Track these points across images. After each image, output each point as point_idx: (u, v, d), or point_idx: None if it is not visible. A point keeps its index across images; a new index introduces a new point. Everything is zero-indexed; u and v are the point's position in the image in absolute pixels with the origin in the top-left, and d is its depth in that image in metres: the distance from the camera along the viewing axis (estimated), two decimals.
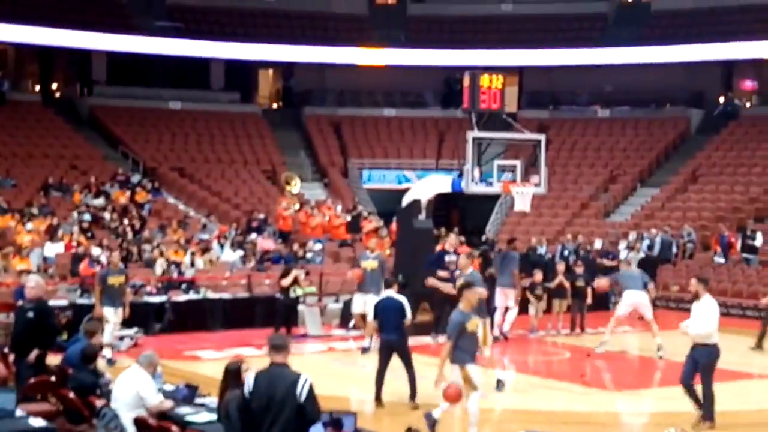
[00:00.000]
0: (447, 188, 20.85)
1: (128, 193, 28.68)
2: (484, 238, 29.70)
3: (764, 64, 37.08)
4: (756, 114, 36.42)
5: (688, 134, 36.65)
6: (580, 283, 20.62)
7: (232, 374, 9.37)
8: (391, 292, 13.73)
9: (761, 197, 30.27)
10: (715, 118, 36.90)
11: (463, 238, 25.10)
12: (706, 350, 12.10)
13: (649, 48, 36.33)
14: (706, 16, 37.23)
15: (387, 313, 13.37)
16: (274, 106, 40.57)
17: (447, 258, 18.63)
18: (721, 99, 38.13)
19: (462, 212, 32.20)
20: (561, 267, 20.81)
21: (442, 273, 18.32)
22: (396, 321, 13.29)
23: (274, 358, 7.88)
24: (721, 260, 26.58)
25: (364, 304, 17.89)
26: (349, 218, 28.35)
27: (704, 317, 12.16)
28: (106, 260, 19.51)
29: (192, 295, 20.46)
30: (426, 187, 21.54)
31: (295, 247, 24.81)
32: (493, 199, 30.72)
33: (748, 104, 38.20)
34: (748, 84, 39.22)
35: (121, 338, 17.28)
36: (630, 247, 26.77)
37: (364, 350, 17.23)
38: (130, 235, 24.43)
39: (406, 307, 13.48)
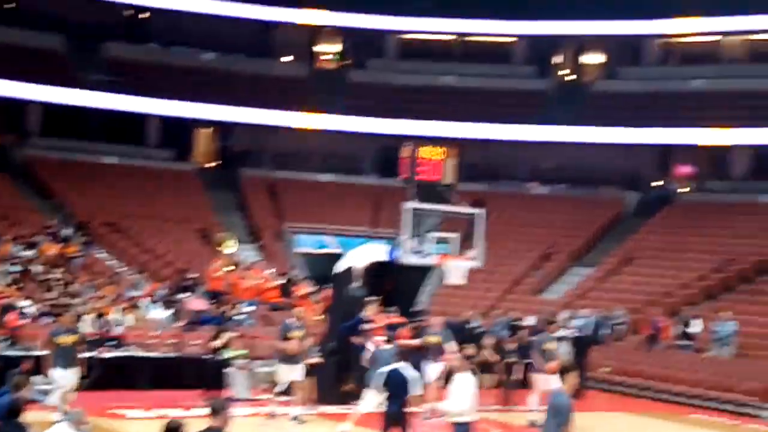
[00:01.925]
0: (382, 257, 21.32)
1: (59, 245, 28.90)
2: (416, 308, 30.19)
3: (699, 150, 38.27)
4: (690, 200, 37.48)
5: (624, 216, 37.50)
6: (512, 358, 21.01)
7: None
8: (403, 365, 13.91)
9: (693, 283, 30.90)
10: (651, 201, 37.86)
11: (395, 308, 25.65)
12: (461, 428, 12.32)
13: (588, 128, 37.34)
14: (644, 100, 38.54)
15: (397, 385, 13.56)
16: (211, 165, 41.04)
17: (363, 325, 18.85)
18: (657, 183, 39.15)
19: (396, 282, 32.70)
20: (488, 341, 21.13)
21: (356, 339, 18.75)
22: (403, 394, 13.53)
23: (212, 421, 8.38)
24: (655, 344, 26.94)
25: (291, 372, 18.08)
26: (281, 282, 28.85)
27: (459, 394, 12.42)
28: (37, 312, 19.61)
29: (120, 353, 20.72)
30: (362, 255, 21.89)
31: (226, 308, 25.24)
32: (428, 269, 31.22)
33: (682, 189, 39.14)
34: (684, 170, 40.19)
35: (47, 393, 17.47)
36: (561, 326, 27.31)
37: (295, 418, 17.50)
38: (59, 289, 24.67)
39: (415, 382, 13.73)
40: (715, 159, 39.61)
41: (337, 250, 32.79)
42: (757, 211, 34.92)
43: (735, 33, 39.56)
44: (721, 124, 35.58)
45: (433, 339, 18.46)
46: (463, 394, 12.41)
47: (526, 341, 24.88)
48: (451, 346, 18.47)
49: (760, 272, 31.10)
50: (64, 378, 15.71)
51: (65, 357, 15.75)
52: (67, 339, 15.89)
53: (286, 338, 17.86)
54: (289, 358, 17.84)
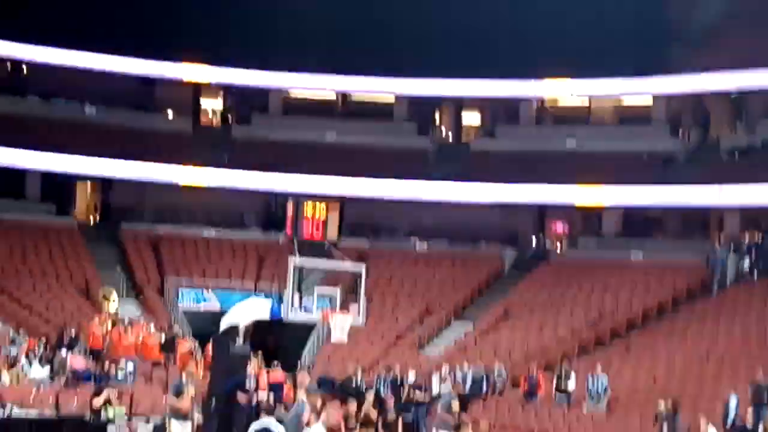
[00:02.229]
0: (266, 315, 21.35)
1: None
2: (299, 364, 30.26)
3: (575, 209, 38.52)
4: (565, 257, 38.25)
5: (502, 272, 38.06)
6: (391, 416, 21.20)
7: None
8: (272, 421, 13.87)
9: (568, 338, 31.50)
10: (528, 258, 38.53)
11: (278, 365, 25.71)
12: None
13: (467, 185, 37.55)
14: (522, 159, 39.08)
15: None
16: (91, 219, 40.44)
17: (248, 383, 18.95)
18: (534, 240, 39.87)
19: (279, 338, 32.72)
20: (369, 397, 21.27)
21: (240, 398, 18.63)
22: None
23: None
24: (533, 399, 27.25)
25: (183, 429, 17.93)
26: (163, 338, 28.55)
27: None
28: None
29: None
30: (245, 311, 21.84)
31: (107, 365, 24.85)
32: (311, 325, 31.30)
33: (558, 247, 39.93)
34: (559, 227, 40.95)
35: None
36: (442, 381, 27.65)
37: None
38: None
39: None
40: (587, 218, 40.25)
41: (217, 307, 32.72)
42: (627, 268, 35.70)
43: (603, 96, 40.55)
44: (593, 183, 36.06)
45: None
46: None
47: (411, 398, 25.48)
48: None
49: (631, 327, 31.87)
50: None
51: None
52: None
53: (178, 395, 17.64)
54: (182, 416, 17.67)
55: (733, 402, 22.57)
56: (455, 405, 19.15)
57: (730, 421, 21.84)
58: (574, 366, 28.49)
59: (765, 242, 33.85)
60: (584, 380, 26.62)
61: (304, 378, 19.26)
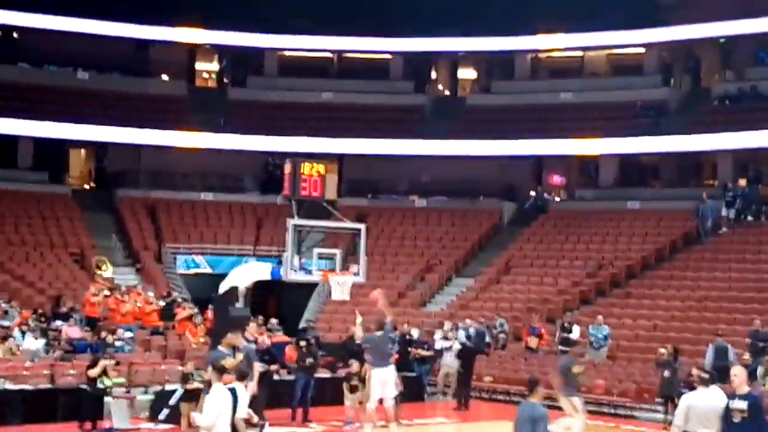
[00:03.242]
0: (266, 276, 20.46)
1: None
2: (302, 326, 29.20)
3: (572, 160, 38.95)
4: (563, 208, 37.59)
5: (501, 226, 37.35)
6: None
7: None
8: (239, 385, 12.81)
9: (569, 289, 30.91)
10: (526, 211, 37.82)
11: (279, 327, 24.64)
12: None
13: (464, 141, 37.18)
14: (518, 112, 38.59)
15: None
16: (86, 187, 39.04)
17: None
18: (532, 193, 39.17)
19: (279, 300, 31.61)
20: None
21: None
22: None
23: None
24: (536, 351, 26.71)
25: None
26: (162, 305, 27.22)
27: (207, 407, 11.72)
28: None
29: None
30: (244, 274, 21.11)
31: (104, 334, 23.46)
32: (311, 286, 30.33)
33: (556, 198, 39.43)
34: (556, 179, 40.72)
35: None
36: (445, 337, 26.72)
37: None
38: None
39: (241, 405, 12.65)
40: (584, 169, 40.30)
41: (215, 271, 31.60)
42: (625, 217, 35.37)
43: (597, 48, 40.19)
44: (589, 135, 35.80)
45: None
46: (211, 407, 11.58)
47: (414, 355, 24.50)
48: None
49: (630, 276, 31.48)
50: None
51: None
52: None
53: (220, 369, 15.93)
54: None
55: (709, 354, 22.45)
56: None
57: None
58: (576, 316, 28.15)
59: (752, 189, 33.42)
60: (586, 330, 26.21)
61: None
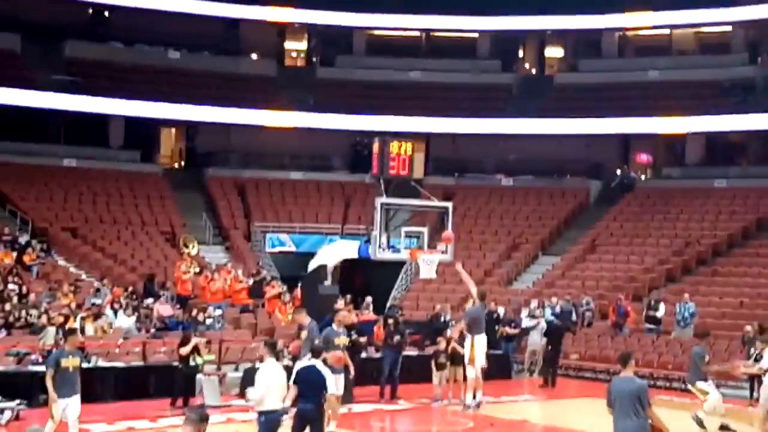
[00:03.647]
0: (353, 254, 20.24)
1: (14, 254, 26.63)
2: (389, 305, 28.88)
3: (658, 139, 38.43)
4: (650, 186, 37.18)
5: (587, 204, 36.93)
6: None
7: None
8: (317, 362, 12.59)
9: (655, 267, 30.54)
10: (613, 189, 37.36)
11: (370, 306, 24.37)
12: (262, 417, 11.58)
13: (551, 120, 36.68)
14: (605, 91, 37.92)
15: (310, 382, 12.25)
16: (176, 166, 39.08)
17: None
18: (618, 171, 38.66)
19: (367, 278, 31.36)
20: (454, 334, 19.64)
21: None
22: (317, 392, 12.24)
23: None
24: (624, 330, 26.30)
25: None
26: (251, 283, 27.09)
27: (258, 382, 11.67)
28: None
29: (82, 364, 18.89)
30: (333, 252, 21.04)
31: (195, 312, 23.40)
32: (399, 265, 30.03)
33: (643, 177, 38.94)
34: (644, 157, 40.18)
35: (1, 411, 15.73)
36: (532, 315, 26.23)
37: None
38: (15, 299, 22.55)
39: (330, 380, 12.44)
40: (671, 147, 39.66)
41: (303, 250, 31.48)
42: (711, 195, 34.92)
43: (684, 26, 39.30)
44: (675, 113, 35.21)
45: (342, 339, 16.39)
46: (261, 382, 11.56)
47: (500, 333, 24.07)
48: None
49: (716, 254, 31.20)
50: (67, 408, 13.05)
51: (68, 383, 13.10)
52: (71, 362, 13.23)
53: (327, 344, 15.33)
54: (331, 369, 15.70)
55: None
56: None
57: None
58: (662, 294, 27.86)
59: None
60: (672, 308, 25.92)
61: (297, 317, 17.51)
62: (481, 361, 17.77)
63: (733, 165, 37.31)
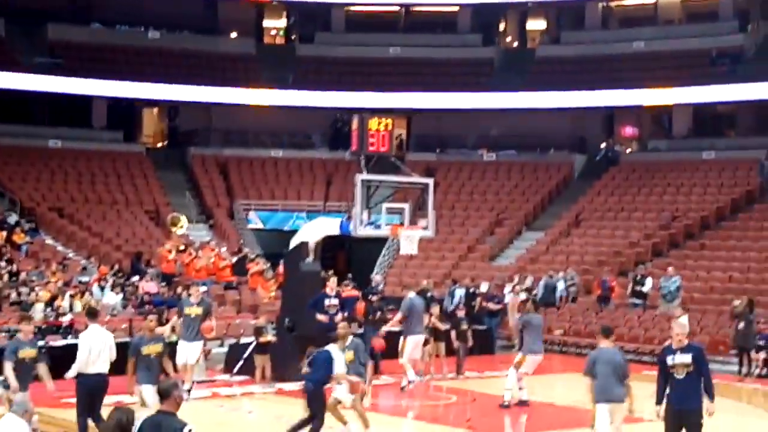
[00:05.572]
0: (335, 231, 20.74)
1: (4, 234, 27.70)
2: (373, 282, 29.61)
3: (643, 111, 38.31)
4: (635, 160, 37.27)
5: (571, 179, 37.17)
6: (463, 326, 20.58)
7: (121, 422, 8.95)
8: (334, 347, 13.55)
9: (641, 242, 30.82)
10: (597, 163, 37.52)
11: (350, 282, 25.04)
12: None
13: (534, 93, 36.83)
14: (589, 63, 38.04)
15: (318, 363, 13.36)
16: (159, 145, 39.93)
17: (327, 301, 18.59)
18: (603, 145, 38.82)
19: (349, 255, 32.16)
20: (434, 310, 20.39)
21: (320, 317, 18.38)
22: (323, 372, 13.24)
23: (163, 405, 7.79)
24: (607, 304, 26.76)
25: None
26: (234, 260, 27.98)
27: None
28: None
29: (70, 340, 19.69)
30: (314, 229, 21.36)
31: (179, 290, 24.27)
32: (381, 241, 30.67)
33: (628, 150, 39.04)
34: (629, 131, 40.20)
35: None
36: (514, 291, 26.89)
37: None
38: (6, 277, 23.50)
39: (337, 363, 13.36)
40: (657, 119, 39.73)
41: (285, 226, 32.19)
42: (699, 167, 34.98)
43: None
44: (662, 84, 35.23)
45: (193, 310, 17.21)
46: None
47: (483, 308, 24.86)
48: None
49: (704, 227, 31.27)
50: (153, 395, 12.40)
51: (150, 370, 13.31)
52: (152, 349, 13.38)
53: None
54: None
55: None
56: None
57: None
58: (649, 269, 27.97)
59: None
60: (658, 282, 26.13)
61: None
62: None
63: (721, 136, 37.31)
